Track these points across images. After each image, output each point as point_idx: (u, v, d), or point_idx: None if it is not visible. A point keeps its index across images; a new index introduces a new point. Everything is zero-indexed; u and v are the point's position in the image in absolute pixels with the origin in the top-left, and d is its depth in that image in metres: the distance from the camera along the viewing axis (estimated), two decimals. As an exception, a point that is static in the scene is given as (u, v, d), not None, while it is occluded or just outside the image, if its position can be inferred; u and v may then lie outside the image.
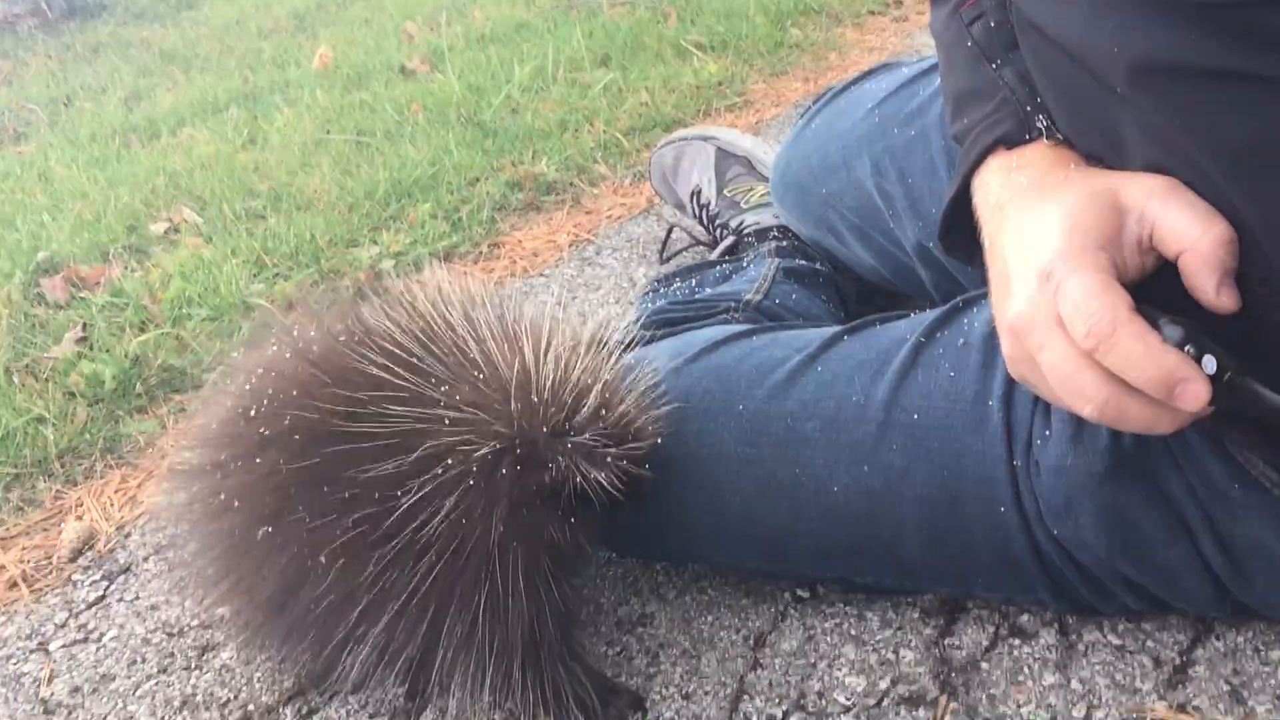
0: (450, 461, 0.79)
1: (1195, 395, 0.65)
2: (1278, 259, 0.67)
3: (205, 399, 0.98)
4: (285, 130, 2.68)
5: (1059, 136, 0.81)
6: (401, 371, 0.81)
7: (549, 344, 0.84)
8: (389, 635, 0.85)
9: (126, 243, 2.04)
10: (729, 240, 1.57)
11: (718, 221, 1.63)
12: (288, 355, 0.87)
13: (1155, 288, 0.72)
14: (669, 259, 1.71)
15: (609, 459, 0.82)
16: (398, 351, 0.82)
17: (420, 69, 3.15)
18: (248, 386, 0.87)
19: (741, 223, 1.57)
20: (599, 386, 0.83)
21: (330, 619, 0.85)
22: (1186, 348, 0.67)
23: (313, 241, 1.90)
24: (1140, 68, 0.68)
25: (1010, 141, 0.82)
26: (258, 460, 0.84)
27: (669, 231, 1.73)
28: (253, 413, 0.85)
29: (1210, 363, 0.67)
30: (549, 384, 0.82)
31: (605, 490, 0.83)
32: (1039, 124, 0.82)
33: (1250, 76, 0.63)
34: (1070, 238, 0.70)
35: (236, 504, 0.85)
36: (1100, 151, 0.78)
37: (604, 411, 0.83)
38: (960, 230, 0.88)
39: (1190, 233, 0.68)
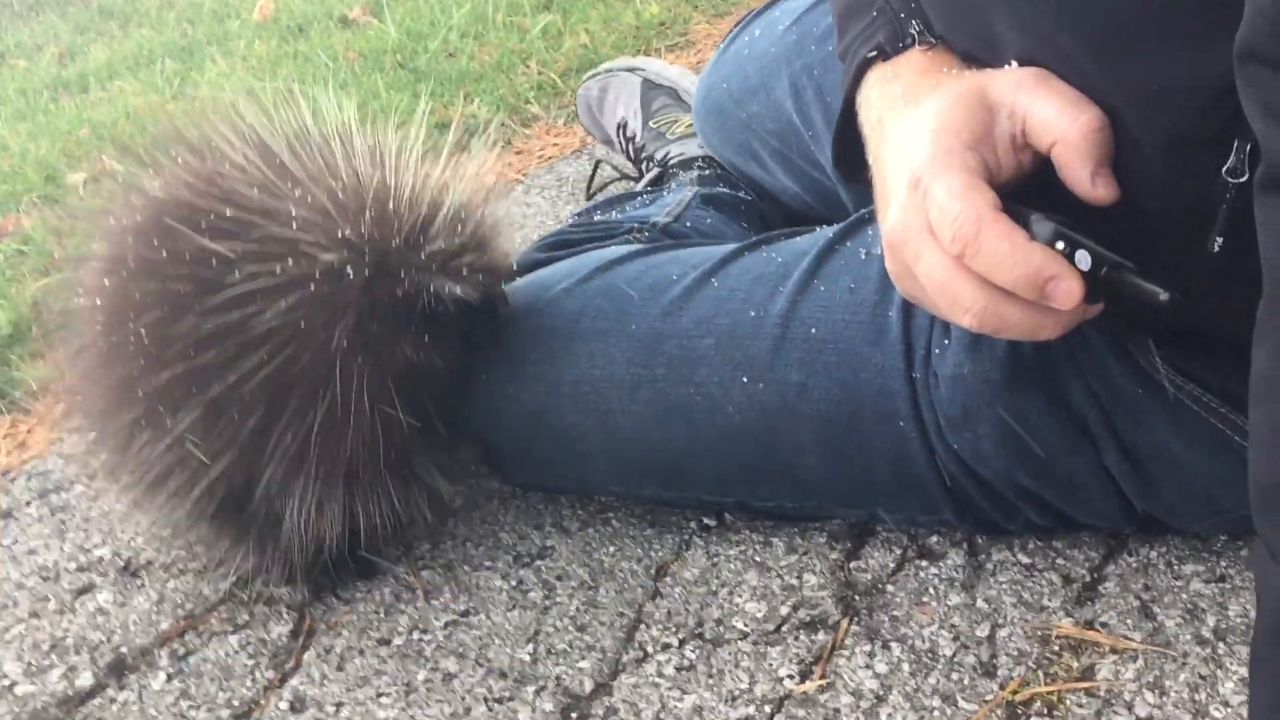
0: (290, 262, 0.77)
1: (1067, 292, 0.61)
2: (1148, 142, 0.63)
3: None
4: (217, 81, 2.61)
5: (932, 41, 0.77)
6: (260, 163, 0.79)
7: (410, 159, 0.83)
8: (204, 428, 0.81)
9: (43, 193, 1.97)
10: (654, 172, 1.51)
11: (644, 154, 1.57)
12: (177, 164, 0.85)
13: (1040, 189, 0.68)
14: (595, 194, 1.66)
15: (464, 271, 0.81)
16: (265, 143, 0.81)
17: (361, 18, 3.08)
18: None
19: (667, 154, 1.52)
20: (455, 198, 0.81)
21: (138, 386, 0.81)
22: (1058, 244, 0.63)
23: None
24: None
25: (885, 52, 0.78)
26: (117, 246, 0.84)
27: (595, 167, 1.67)
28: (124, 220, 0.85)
29: (1084, 258, 0.62)
30: (406, 194, 0.80)
31: (461, 305, 0.81)
32: (912, 30, 0.78)
33: None
34: (937, 140, 0.67)
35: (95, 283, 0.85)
36: (976, 50, 0.74)
37: (459, 226, 0.81)
38: (854, 155, 0.84)
39: (1060, 122, 0.65)
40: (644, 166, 1.57)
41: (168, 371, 0.79)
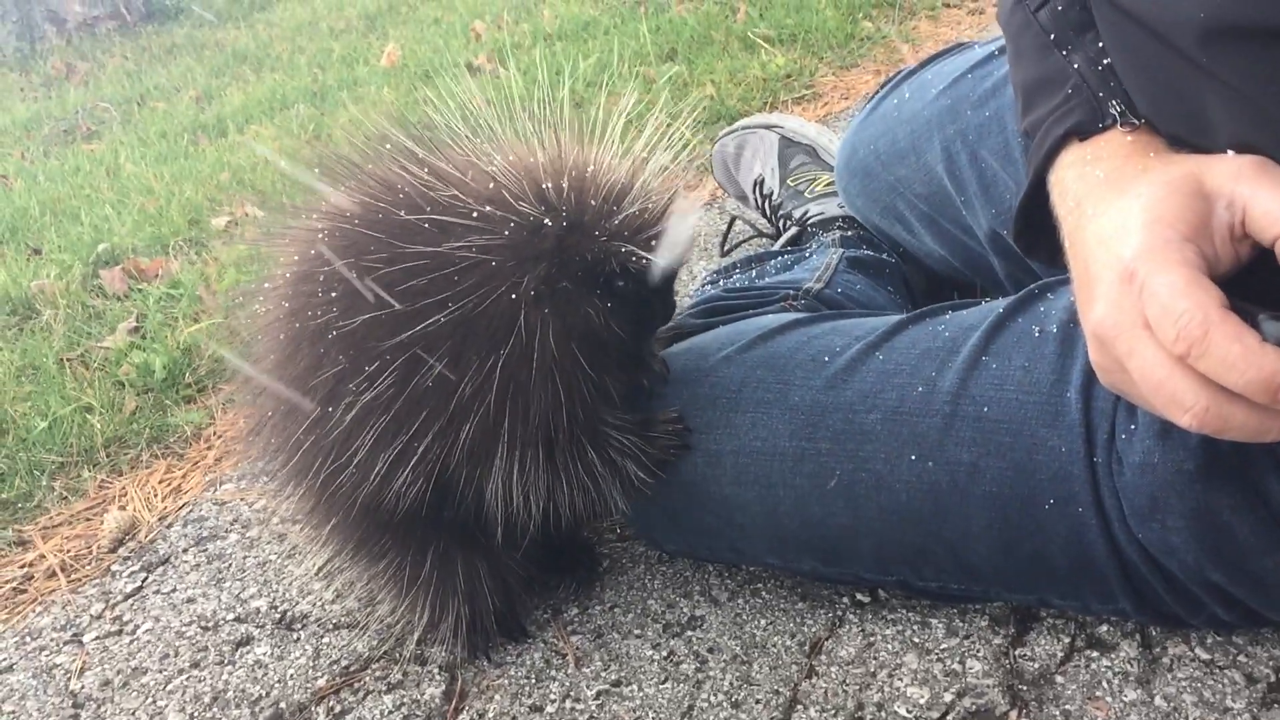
0: (489, 208, 0.80)
1: None
2: None
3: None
4: (350, 126, 2.68)
5: (1135, 122, 0.74)
6: (468, 126, 0.84)
7: (612, 134, 0.86)
8: (399, 381, 0.81)
9: (188, 236, 2.04)
10: (792, 230, 1.50)
11: (781, 212, 1.56)
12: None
13: (1254, 280, 0.65)
14: (730, 251, 1.65)
15: (652, 242, 0.83)
16: (474, 112, 0.85)
17: (486, 66, 3.14)
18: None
19: (805, 213, 1.51)
20: (650, 174, 0.85)
21: (331, 340, 0.82)
22: None
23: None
24: (1213, 30, 0.62)
25: (1083, 132, 0.76)
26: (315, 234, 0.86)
27: (730, 223, 1.67)
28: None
29: None
30: (606, 161, 0.84)
31: (641, 278, 0.84)
32: (1113, 110, 0.75)
33: None
34: (1152, 232, 0.64)
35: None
36: (1184, 133, 0.71)
37: (650, 201, 0.84)
38: (1037, 229, 0.82)
39: None
40: (781, 224, 1.56)
41: (361, 316, 0.81)
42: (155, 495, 1.23)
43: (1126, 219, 0.66)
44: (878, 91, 1.41)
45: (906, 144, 1.27)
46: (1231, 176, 0.64)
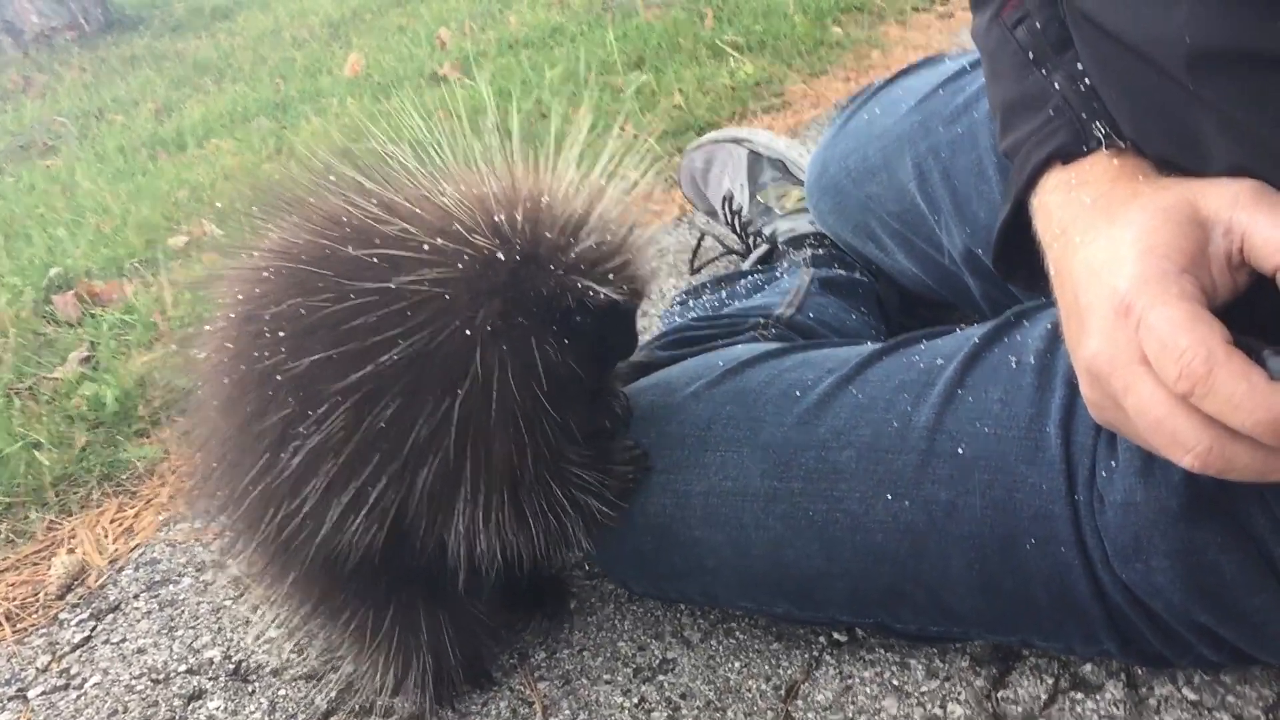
0: (440, 240, 0.76)
1: None
2: None
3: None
4: (312, 140, 2.63)
5: (1121, 145, 0.72)
6: (416, 156, 0.80)
7: (567, 163, 0.82)
8: (349, 423, 0.76)
9: (144, 257, 1.99)
10: (762, 248, 1.47)
11: (751, 229, 1.53)
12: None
13: (1252, 310, 0.62)
14: (699, 269, 1.62)
15: (610, 276, 0.79)
16: (421, 141, 0.81)
17: (451, 74, 3.10)
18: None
19: (775, 230, 1.48)
20: (607, 205, 0.80)
21: (278, 382, 0.77)
22: None
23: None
24: (1199, 55, 0.59)
25: (1066, 155, 0.73)
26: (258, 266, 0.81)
27: (699, 240, 1.63)
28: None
29: None
30: (561, 192, 0.79)
31: (600, 314, 0.79)
32: (1097, 132, 0.72)
33: None
34: (1147, 262, 0.61)
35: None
36: (1175, 156, 0.68)
37: (609, 232, 0.80)
38: (1017, 254, 0.79)
39: None
40: (751, 241, 1.53)
41: (309, 358, 0.76)
42: (106, 536, 1.19)
43: (1118, 248, 0.63)
44: (847, 106, 1.38)
45: (878, 161, 1.24)
46: (1229, 202, 0.61)
